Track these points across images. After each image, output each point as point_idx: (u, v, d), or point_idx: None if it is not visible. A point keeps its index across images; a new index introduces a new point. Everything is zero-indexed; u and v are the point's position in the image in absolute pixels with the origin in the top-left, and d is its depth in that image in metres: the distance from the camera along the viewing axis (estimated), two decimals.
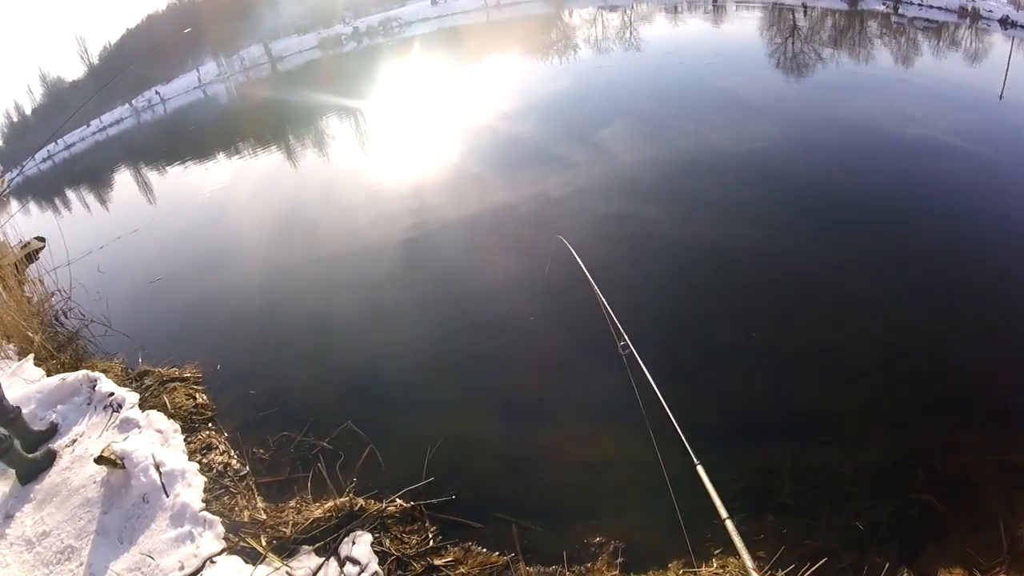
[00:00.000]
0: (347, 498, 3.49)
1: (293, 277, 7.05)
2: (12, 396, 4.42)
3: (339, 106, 18.70)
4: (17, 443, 3.96)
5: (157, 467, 3.73)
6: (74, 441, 4.31)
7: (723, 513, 2.19)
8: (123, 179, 19.58)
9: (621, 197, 7.19)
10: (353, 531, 3.31)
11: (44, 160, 37.24)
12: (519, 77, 16.94)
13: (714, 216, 6.37)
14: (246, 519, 3.50)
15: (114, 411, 4.46)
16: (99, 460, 3.77)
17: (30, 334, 5.80)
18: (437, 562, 3.15)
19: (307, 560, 3.21)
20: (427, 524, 3.39)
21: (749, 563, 2.00)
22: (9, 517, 3.78)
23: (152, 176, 17.52)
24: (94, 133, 41.94)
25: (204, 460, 4.04)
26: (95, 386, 4.75)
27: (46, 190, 22.51)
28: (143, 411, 4.43)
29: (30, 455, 4.05)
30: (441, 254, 6.79)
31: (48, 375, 5.14)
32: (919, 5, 19.64)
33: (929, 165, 7.01)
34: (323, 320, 5.87)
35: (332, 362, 5.23)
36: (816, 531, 3.04)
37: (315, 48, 41.98)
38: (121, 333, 6.01)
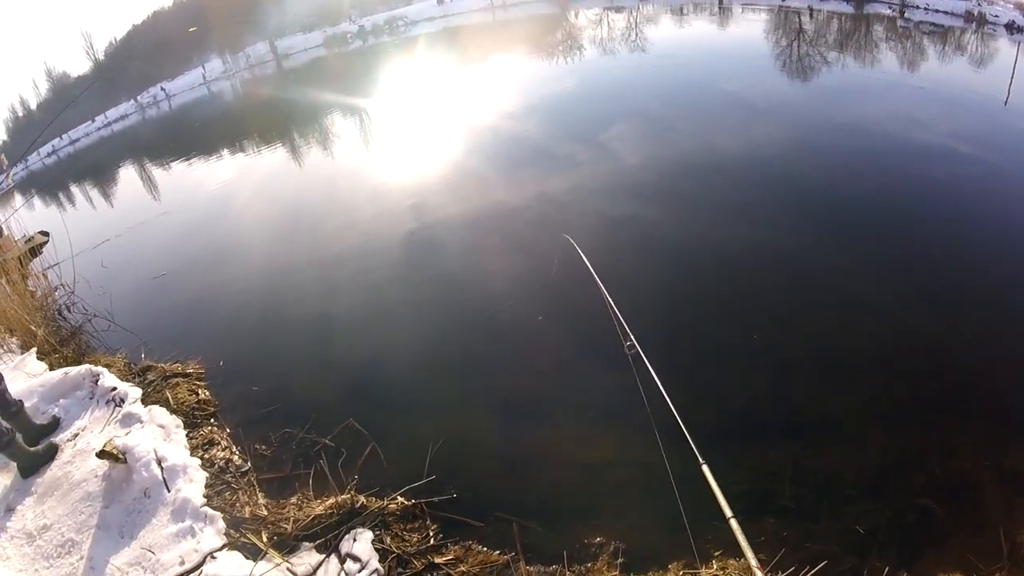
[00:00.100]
0: (348, 495, 3.49)
1: (297, 274, 7.06)
2: (15, 390, 4.43)
3: (344, 104, 18.74)
4: (19, 436, 3.97)
5: (159, 462, 3.74)
6: (76, 435, 4.32)
7: (728, 512, 2.18)
8: (127, 175, 19.64)
9: (626, 197, 7.18)
10: (354, 528, 3.31)
11: (49, 155, 37.43)
12: (524, 77, 16.94)
13: (720, 217, 6.36)
14: (247, 515, 3.50)
15: (116, 406, 4.47)
16: (101, 454, 3.77)
17: (33, 328, 5.81)
18: (438, 560, 3.15)
19: (308, 556, 3.21)
20: (428, 522, 3.39)
21: (753, 561, 2.00)
22: (10, 510, 3.79)
23: (156, 172, 17.57)
24: (99, 128, 42.10)
25: (206, 456, 4.04)
26: (97, 381, 4.76)
27: (50, 185, 22.58)
28: (145, 406, 4.44)
29: (32, 448, 4.07)
30: (446, 253, 6.79)
31: (51, 369, 5.16)
32: (925, 9, 19.57)
33: (934, 169, 6.99)
34: (326, 318, 5.87)
35: (335, 360, 5.24)
36: (816, 534, 3.03)
37: (320, 46, 42.14)
38: (124, 328, 6.02)
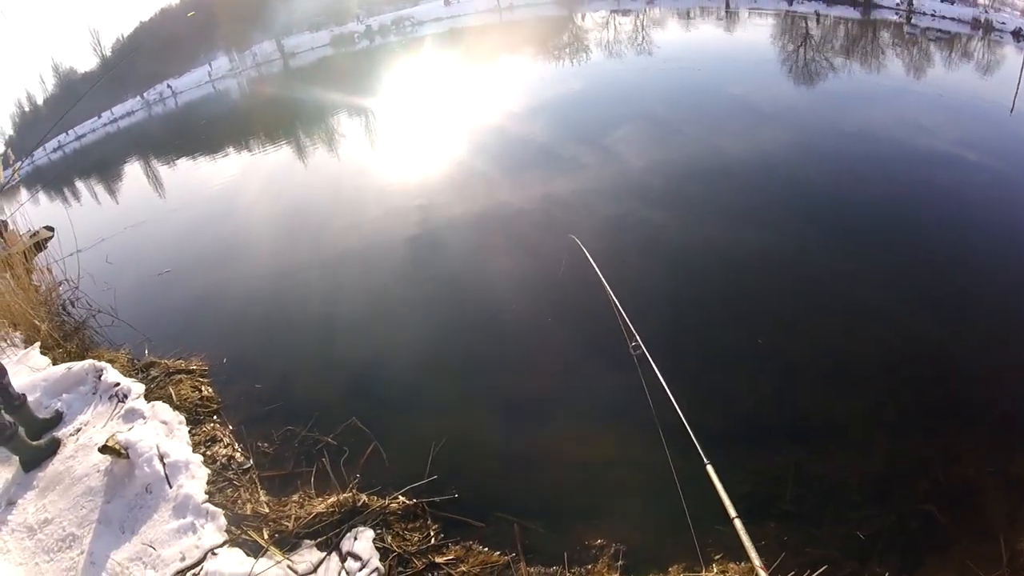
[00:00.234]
0: (350, 494, 3.49)
1: (301, 272, 7.06)
2: (18, 383, 4.44)
3: (350, 104, 18.76)
4: (22, 430, 3.98)
5: (161, 458, 3.74)
6: (78, 430, 4.33)
7: (732, 512, 2.18)
8: (133, 171, 19.69)
9: (633, 200, 7.18)
10: (355, 527, 3.30)
11: (55, 150, 37.51)
12: (530, 78, 16.95)
13: (725, 221, 6.36)
14: (248, 512, 3.51)
15: (119, 401, 4.47)
16: (103, 449, 3.77)
17: (37, 322, 5.82)
18: (438, 559, 3.15)
19: (308, 554, 3.21)
20: (429, 522, 3.38)
21: (757, 562, 1.99)
22: (12, 504, 3.80)
23: (162, 169, 17.61)
24: (105, 124, 42.25)
25: (208, 452, 4.05)
26: (101, 376, 4.76)
27: (56, 180, 22.63)
28: (148, 402, 4.44)
29: (34, 442, 4.07)
30: (451, 252, 6.79)
31: (54, 364, 5.17)
32: (932, 15, 19.57)
33: (939, 176, 6.99)
34: (330, 316, 5.87)
35: (338, 358, 5.23)
36: (817, 539, 3.02)
37: (327, 45, 42.23)
38: (128, 324, 6.02)
